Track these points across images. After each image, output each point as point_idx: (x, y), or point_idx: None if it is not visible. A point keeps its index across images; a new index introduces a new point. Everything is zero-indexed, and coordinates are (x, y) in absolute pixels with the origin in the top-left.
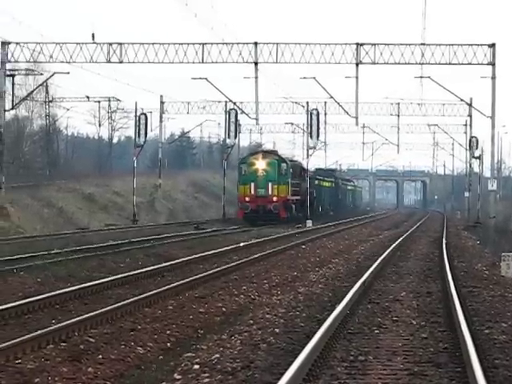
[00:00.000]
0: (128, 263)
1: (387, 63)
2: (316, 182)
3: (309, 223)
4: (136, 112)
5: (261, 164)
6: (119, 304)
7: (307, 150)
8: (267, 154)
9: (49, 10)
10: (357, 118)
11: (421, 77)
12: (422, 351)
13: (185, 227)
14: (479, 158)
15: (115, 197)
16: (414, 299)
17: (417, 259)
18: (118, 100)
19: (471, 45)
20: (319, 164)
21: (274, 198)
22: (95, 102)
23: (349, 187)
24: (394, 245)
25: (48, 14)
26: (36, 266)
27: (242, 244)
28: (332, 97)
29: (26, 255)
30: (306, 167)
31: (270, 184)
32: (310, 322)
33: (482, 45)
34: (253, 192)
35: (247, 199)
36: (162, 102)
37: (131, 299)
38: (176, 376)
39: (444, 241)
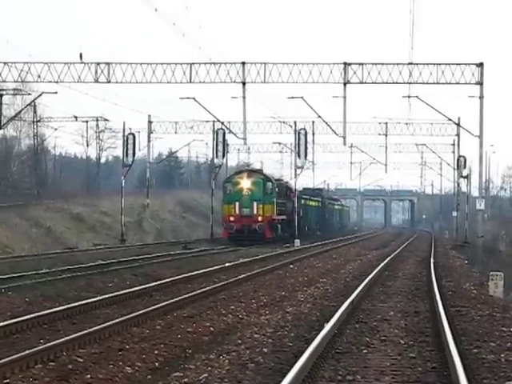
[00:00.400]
0: (116, 283)
1: (375, 83)
2: (302, 201)
3: (297, 243)
4: (124, 132)
5: (246, 183)
6: (107, 324)
7: (295, 170)
8: (252, 172)
9: (37, 30)
10: (345, 137)
11: (408, 96)
12: (411, 371)
13: (173, 247)
14: (467, 177)
15: (103, 216)
16: (402, 319)
17: (405, 279)
18: (106, 120)
19: (459, 64)
20: (307, 184)
21: (259, 218)
22: (83, 121)
23: (336, 207)
24: (382, 264)
25: (36, 34)
26: (24, 285)
27: (227, 264)
28: (320, 116)
29: (15, 275)
30: (294, 187)
31: (254, 203)
32: (298, 341)
33: (469, 64)
34: (237, 212)
35: (232, 219)
36: (149, 122)
37: (119, 319)
38: None
39: (432, 260)
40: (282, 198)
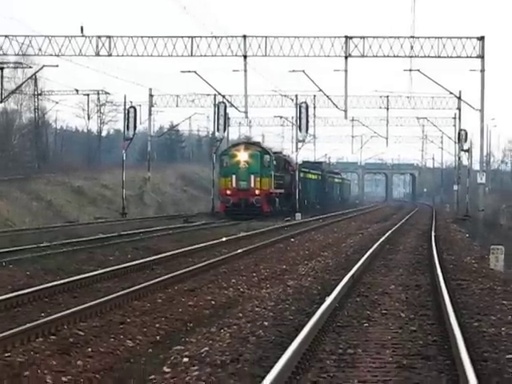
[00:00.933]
0: (117, 256)
1: (376, 56)
2: (301, 174)
3: (298, 216)
4: (125, 105)
5: (243, 156)
6: (108, 297)
7: (296, 144)
8: (249, 145)
9: (38, 3)
10: (346, 111)
11: (410, 70)
12: (411, 344)
13: (174, 220)
14: (468, 151)
15: (104, 190)
16: (402, 292)
17: (406, 252)
18: (107, 93)
19: (460, 38)
20: (308, 157)
21: (257, 191)
22: (84, 95)
23: (336, 180)
24: (383, 238)
25: (37, 7)
26: (25, 259)
27: (224, 238)
28: (321, 90)
29: (15, 248)
30: (296, 160)
31: (252, 176)
32: (299, 315)
33: (471, 38)
34: (234, 185)
35: (228, 192)
36: (150, 95)
37: (120, 292)
38: (165, 369)
39: (433, 234)
40: (280, 172)
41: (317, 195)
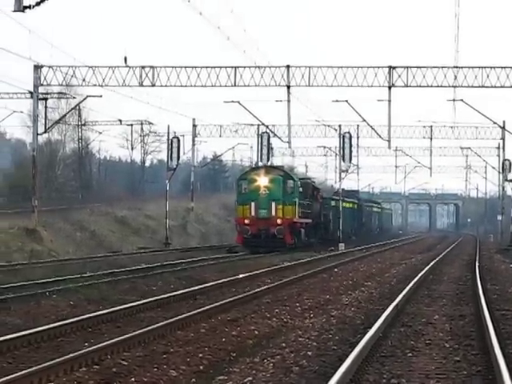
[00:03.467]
0: (160, 286)
1: (420, 86)
2: (333, 203)
3: (341, 246)
4: (168, 135)
5: (263, 181)
6: (152, 327)
7: (340, 173)
8: (271, 169)
9: (81, 34)
10: (389, 141)
11: (453, 100)
12: (455, 374)
13: (217, 250)
14: None
15: (148, 220)
16: (446, 322)
17: (450, 282)
18: (151, 123)
19: (504, 67)
20: (352, 187)
21: (278, 221)
22: (128, 125)
23: (375, 209)
24: (427, 268)
25: (81, 38)
26: (68, 289)
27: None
28: (364, 120)
29: (59, 278)
30: (339, 189)
31: (273, 204)
32: (342, 345)
33: None
34: (253, 213)
35: (247, 222)
36: (194, 126)
37: (163, 322)
38: None
39: (477, 264)
40: (307, 199)
41: (352, 225)
